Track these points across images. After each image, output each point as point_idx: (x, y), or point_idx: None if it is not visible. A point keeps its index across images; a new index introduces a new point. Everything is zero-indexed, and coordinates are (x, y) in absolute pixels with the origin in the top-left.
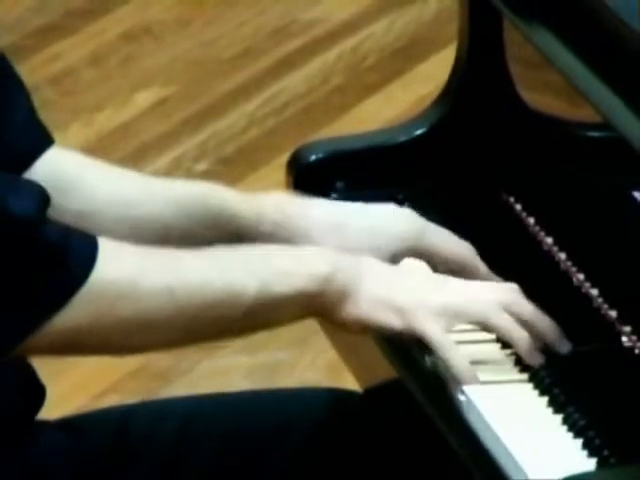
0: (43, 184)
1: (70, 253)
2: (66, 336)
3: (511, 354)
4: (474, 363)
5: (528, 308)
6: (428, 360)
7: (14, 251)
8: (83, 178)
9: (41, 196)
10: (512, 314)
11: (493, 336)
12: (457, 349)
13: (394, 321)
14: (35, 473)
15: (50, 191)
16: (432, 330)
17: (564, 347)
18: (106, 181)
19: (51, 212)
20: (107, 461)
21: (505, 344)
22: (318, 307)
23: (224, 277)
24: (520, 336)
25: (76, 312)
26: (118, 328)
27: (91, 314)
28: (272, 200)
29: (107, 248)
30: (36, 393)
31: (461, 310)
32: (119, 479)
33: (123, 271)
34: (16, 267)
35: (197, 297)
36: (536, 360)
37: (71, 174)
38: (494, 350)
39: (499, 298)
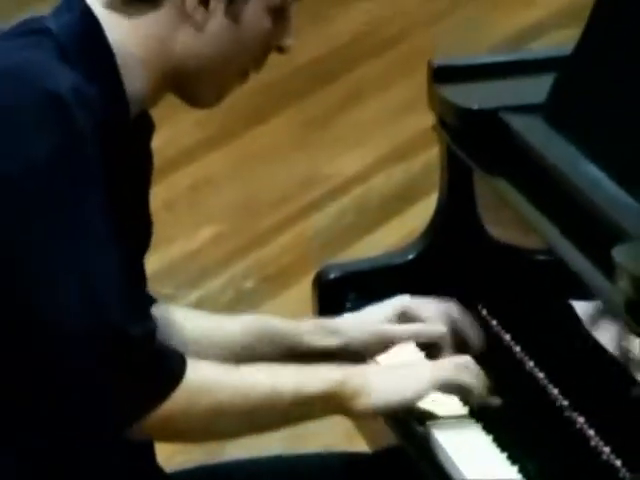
0: None
1: (168, 362)
2: (163, 422)
3: (477, 421)
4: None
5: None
6: (420, 429)
7: (129, 361)
8: (175, 318)
9: (153, 324)
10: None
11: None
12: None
13: (402, 398)
14: None
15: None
16: (425, 386)
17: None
18: (192, 320)
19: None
20: None
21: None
22: (338, 405)
23: (270, 382)
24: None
25: (171, 404)
26: (199, 417)
27: (182, 406)
28: (307, 322)
29: (190, 360)
30: (152, 476)
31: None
32: None
33: (204, 376)
34: (133, 371)
35: (252, 395)
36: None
37: (170, 319)
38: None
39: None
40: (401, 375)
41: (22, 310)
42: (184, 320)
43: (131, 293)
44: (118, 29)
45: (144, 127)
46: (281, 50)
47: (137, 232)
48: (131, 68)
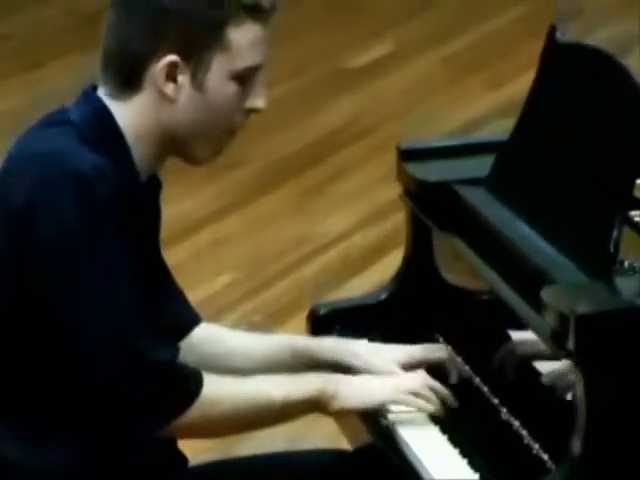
0: (197, 344)
1: (188, 380)
2: (182, 427)
3: (435, 424)
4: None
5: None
6: (384, 421)
7: (155, 381)
8: (222, 339)
9: (175, 347)
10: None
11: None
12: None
13: (365, 403)
14: None
15: (200, 345)
16: (387, 398)
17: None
18: (237, 339)
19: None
20: None
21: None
22: (317, 406)
23: (265, 392)
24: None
25: (190, 414)
26: (212, 423)
27: (197, 415)
28: (325, 341)
29: (206, 377)
30: (176, 463)
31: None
32: None
33: (216, 390)
34: (160, 389)
35: (251, 403)
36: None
37: (215, 337)
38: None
39: (410, 385)
40: (368, 387)
41: (55, 327)
42: (226, 337)
43: (153, 324)
44: (120, 114)
45: (154, 187)
46: (254, 111)
47: (151, 270)
48: (135, 143)
